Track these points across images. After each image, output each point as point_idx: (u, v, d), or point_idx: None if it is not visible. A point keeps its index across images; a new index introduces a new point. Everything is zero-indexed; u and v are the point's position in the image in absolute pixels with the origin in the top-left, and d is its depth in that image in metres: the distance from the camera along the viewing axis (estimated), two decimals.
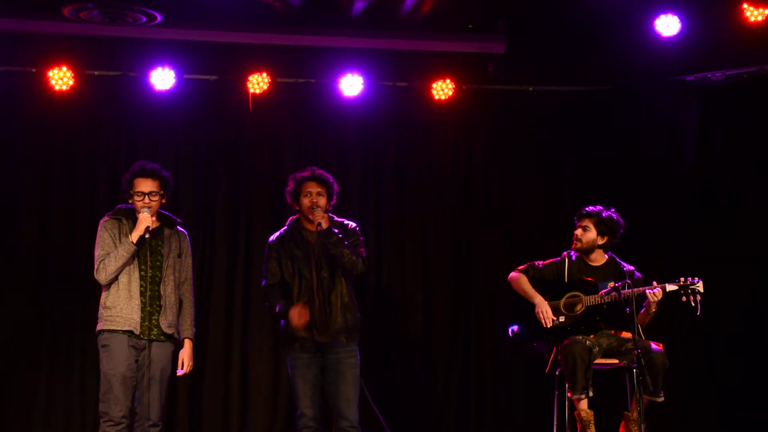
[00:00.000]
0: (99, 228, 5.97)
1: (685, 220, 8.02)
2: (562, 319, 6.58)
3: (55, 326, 7.79)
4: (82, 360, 7.78)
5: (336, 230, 6.08)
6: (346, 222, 6.28)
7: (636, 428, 6.34)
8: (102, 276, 5.84)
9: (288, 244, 6.16)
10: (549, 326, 6.55)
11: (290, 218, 6.33)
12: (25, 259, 7.80)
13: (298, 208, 6.24)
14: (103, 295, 5.92)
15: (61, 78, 7.71)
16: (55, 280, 7.80)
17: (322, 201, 6.15)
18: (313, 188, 6.16)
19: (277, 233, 6.28)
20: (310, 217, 6.10)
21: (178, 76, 7.85)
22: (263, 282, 6.22)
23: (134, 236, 5.82)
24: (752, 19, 7.05)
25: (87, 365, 7.76)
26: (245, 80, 7.95)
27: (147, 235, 5.82)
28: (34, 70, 7.76)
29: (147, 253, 5.88)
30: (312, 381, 6.07)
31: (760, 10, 7.02)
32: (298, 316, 5.97)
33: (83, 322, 7.74)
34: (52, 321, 7.79)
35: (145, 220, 5.83)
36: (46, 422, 7.71)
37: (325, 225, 6.03)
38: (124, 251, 5.81)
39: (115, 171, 7.92)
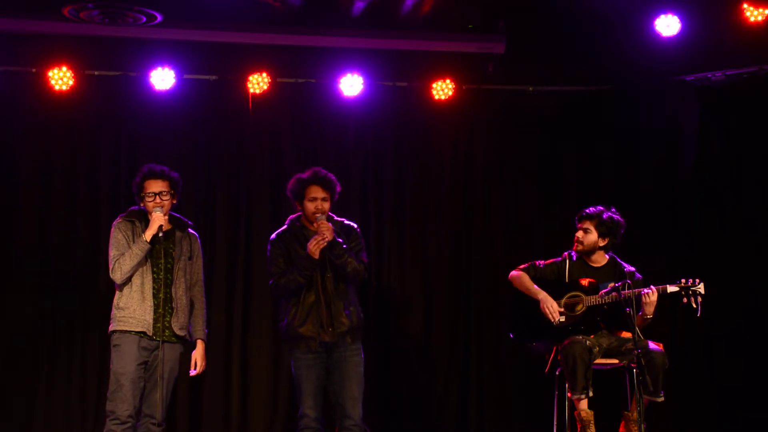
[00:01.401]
0: (112, 229, 5.99)
1: (685, 220, 8.02)
2: (562, 318, 6.58)
3: (55, 326, 7.79)
4: (82, 360, 7.79)
5: (340, 240, 6.04)
6: (346, 222, 6.25)
7: (636, 428, 6.34)
8: (118, 275, 5.87)
9: (291, 244, 6.12)
10: (557, 320, 6.54)
11: (290, 217, 6.29)
12: (25, 259, 7.79)
13: (300, 209, 6.20)
14: (117, 296, 5.94)
15: (61, 78, 7.71)
16: (55, 280, 7.80)
17: (327, 206, 6.09)
18: (319, 194, 6.09)
19: (278, 231, 6.24)
20: (315, 225, 6.04)
21: (178, 76, 7.85)
22: (271, 281, 6.16)
23: (148, 235, 5.85)
24: (752, 19, 7.05)
25: (87, 365, 7.77)
26: (245, 80, 7.95)
27: (161, 234, 5.86)
28: (34, 70, 7.76)
29: (159, 255, 5.91)
30: (316, 382, 6.04)
31: (760, 10, 7.01)
32: (320, 234, 5.94)
33: (83, 323, 7.77)
34: (52, 321, 7.79)
35: (158, 219, 5.87)
36: (46, 422, 7.71)
37: (330, 237, 5.96)
38: (138, 250, 5.84)
39: (115, 171, 7.93)
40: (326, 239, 5.95)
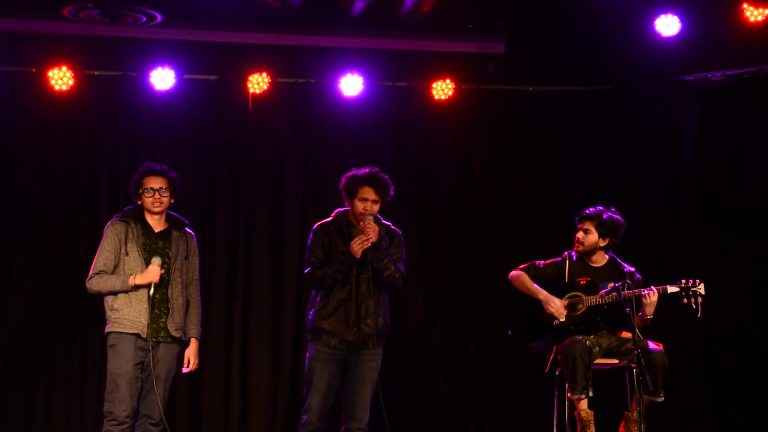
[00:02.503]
0: (106, 229, 5.96)
1: (685, 220, 8.02)
2: (562, 319, 6.57)
3: (55, 326, 7.79)
4: (81, 360, 7.79)
5: (384, 245, 5.97)
6: (392, 227, 6.13)
7: (636, 428, 6.33)
8: (91, 289, 5.87)
9: (334, 237, 6.01)
10: (563, 320, 6.53)
11: (337, 210, 6.15)
12: (25, 259, 7.80)
13: (349, 205, 6.07)
14: (111, 297, 5.89)
15: (61, 78, 7.71)
16: (55, 280, 7.80)
17: (377, 208, 5.97)
18: (371, 195, 5.95)
19: (322, 222, 6.11)
20: (361, 226, 5.94)
21: (178, 76, 7.85)
22: (306, 270, 6.03)
23: (137, 281, 5.80)
24: (752, 19, 7.05)
25: (87, 365, 7.77)
26: (245, 80, 7.95)
27: (151, 291, 5.80)
28: (34, 70, 7.76)
29: (156, 255, 5.88)
30: (328, 379, 5.94)
31: (760, 10, 7.01)
32: (366, 234, 5.86)
33: (83, 322, 7.76)
34: (52, 321, 7.79)
35: (154, 274, 5.80)
36: (46, 422, 7.71)
37: (374, 239, 5.87)
38: (120, 286, 5.81)
39: (115, 171, 7.94)
40: (371, 240, 5.87)
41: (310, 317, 6.06)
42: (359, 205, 5.97)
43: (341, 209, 6.14)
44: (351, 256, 5.88)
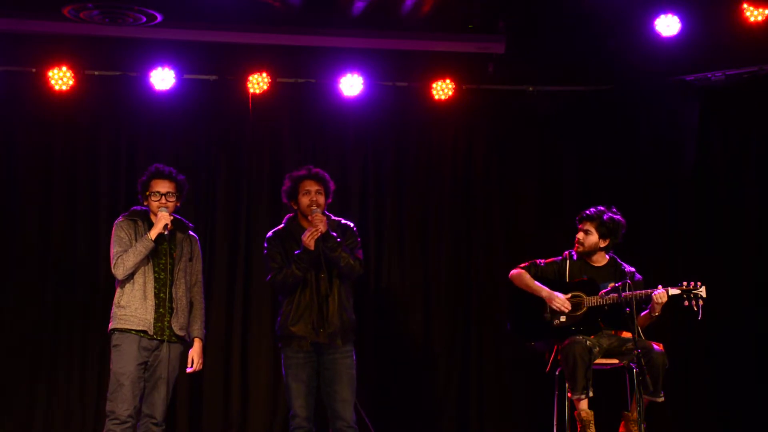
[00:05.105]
0: (114, 227, 5.99)
1: (685, 220, 8.02)
2: (563, 319, 6.57)
3: (55, 327, 7.79)
4: (82, 360, 7.79)
5: (334, 233, 6.06)
6: (343, 222, 6.26)
7: (636, 428, 6.34)
8: (120, 270, 5.86)
9: (288, 242, 6.14)
10: (565, 319, 6.53)
11: (287, 216, 6.31)
12: (25, 259, 7.79)
13: (295, 207, 6.21)
14: (118, 293, 5.94)
15: (61, 78, 7.71)
16: (55, 280, 7.80)
17: (321, 200, 6.13)
18: (312, 187, 6.13)
19: (274, 230, 6.26)
20: (309, 218, 6.08)
21: (178, 76, 7.85)
22: (269, 276, 6.17)
23: (153, 233, 5.86)
24: (752, 19, 7.05)
25: (87, 365, 7.77)
26: (245, 80, 7.95)
27: (166, 232, 5.87)
28: (34, 70, 7.76)
29: (161, 255, 5.93)
30: (306, 381, 6.06)
31: (760, 10, 7.02)
32: (315, 226, 5.98)
33: (84, 322, 7.77)
34: (53, 321, 7.79)
35: (165, 218, 5.89)
36: (46, 422, 7.71)
37: (323, 228, 6.00)
38: (142, 247, 5.85)
39: (115, 171, 7.94)
40: (320, 230, 5.99)
41: (277, 326, 6.16)
42: (305, 200, 6.13)
43: (290, 215, 6.28)
44: (306, 250, 5.99)
